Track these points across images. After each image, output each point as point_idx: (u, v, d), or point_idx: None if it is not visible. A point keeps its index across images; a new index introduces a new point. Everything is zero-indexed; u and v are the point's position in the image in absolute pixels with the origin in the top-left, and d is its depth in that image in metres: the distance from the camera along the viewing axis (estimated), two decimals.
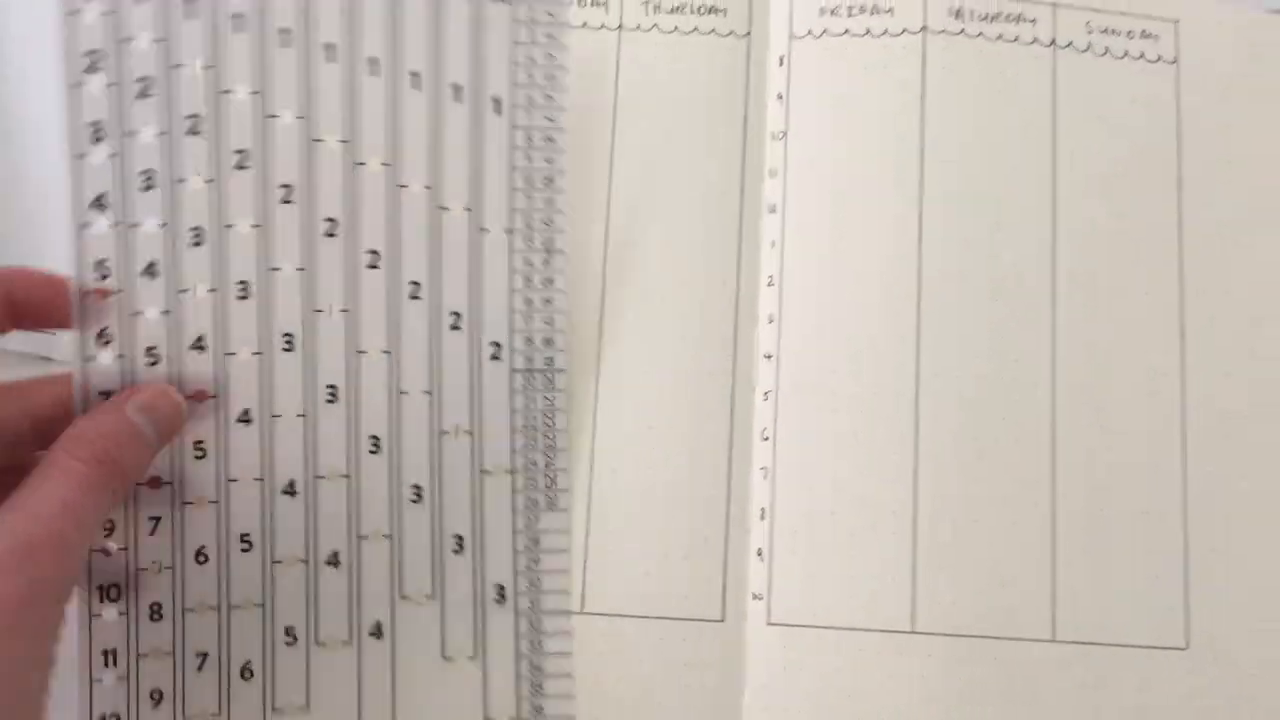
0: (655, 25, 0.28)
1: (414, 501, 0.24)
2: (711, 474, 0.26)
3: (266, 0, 0.23)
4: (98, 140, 0.23)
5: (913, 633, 0.26)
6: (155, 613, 0.23)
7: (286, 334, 0.24)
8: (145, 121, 0.23)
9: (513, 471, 0.24)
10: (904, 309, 0.27)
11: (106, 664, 0.23)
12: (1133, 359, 0.28)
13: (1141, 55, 0.30)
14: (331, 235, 0.24)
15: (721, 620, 0.26)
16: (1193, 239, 0.29)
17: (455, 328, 0.24)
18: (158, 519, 0.23)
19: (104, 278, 0.23)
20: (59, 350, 0.26)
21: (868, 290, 0.27)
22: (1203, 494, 0.27)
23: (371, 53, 0.24)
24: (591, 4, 0.28)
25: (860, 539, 0.26)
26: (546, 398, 0.25)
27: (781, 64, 0.28)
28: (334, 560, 0.24)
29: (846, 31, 0.28)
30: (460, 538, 0.24)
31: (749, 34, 0.28)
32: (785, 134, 0.28)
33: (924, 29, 0.29)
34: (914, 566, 0.26)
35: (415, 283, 0.24)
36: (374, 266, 0.24)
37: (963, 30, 0.29)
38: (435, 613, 0.24)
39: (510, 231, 0.25)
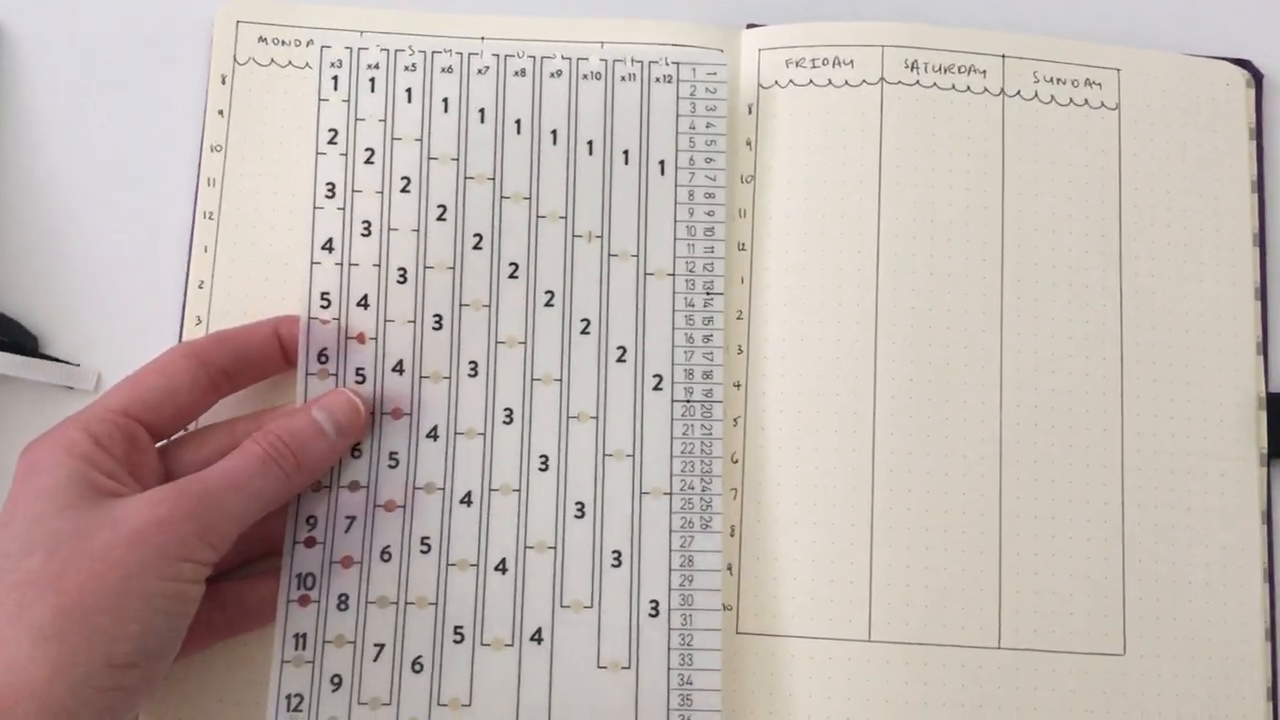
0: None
1: (578, 517, 0.29)
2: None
3: (467, 87, 0.33)
4: (330, 196, 0.32)
5: (869, 641, 0.30)
6: (342, 603, 0.29)
7: (472, 361, 0.31)
8: (368, 183, 0.32)
9: (670, 494, 0.30)
10: (863, 341, 0.32)
11: (297, 647, 0.29)
12: (1075, 383, 0.33)
13: (1085, 102, 0.35)
14: (514, 277, 0.31)
15: None
16: (1131, 272, 0.34)
17: (621, 360, 0.31)
18: (352, 518, 0.30)
19: (326, 306, 0.31)
20: (80, 380, 0.32)
21: (829, 322, 0.32)
22: (1138, 509, 0.32)
23: (553, 125, 0.33)
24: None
25: (820, 554, 0.30)
26: (705, 427, 0.30)
27: (750, 112, 0.34)
28: (502, 567, 0.29)
29: (810, 82, 0.34)
30: (619, 553, 0.29)
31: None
32: (754, 177, 0.33)
33: (882, 80, 0.34)
34: (870, 579, 0.31)
35: (585, 319, 0.31)
36: (550, 305, 0.31)
37: (917, 81, 0.34)
38: (593, 622, 0.29)
39: (673, 275, 0.32)
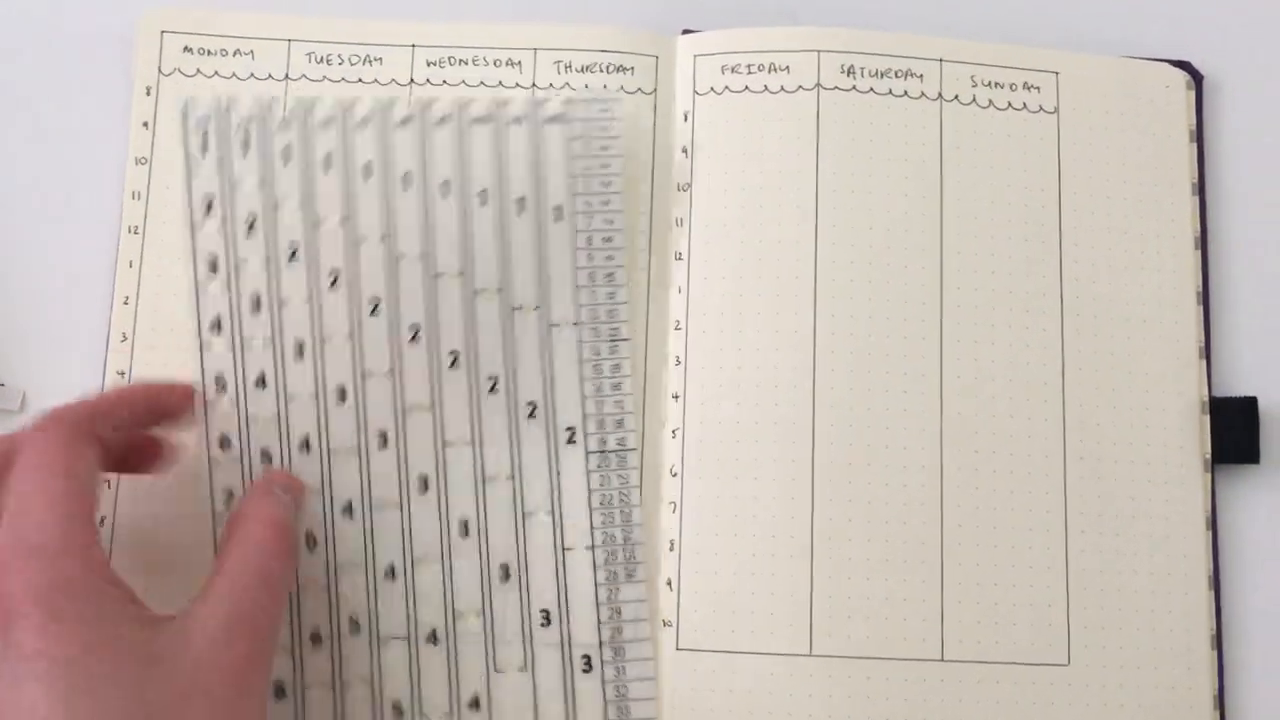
0: (566, 84, 0.35)
1: (503, 580, 0.31)
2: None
3: (350, 142, 0.33)
4: (213, 271, 0.32)
5: (810, 655, 0.32)
6: (279, 692, 0.31)
7: (381, 431, 0.32)
8: (253, 252, 0.32)
9: (592, 547, 0.32)
10: (801, 351, 0.33)
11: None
12: (1015, 391, 0.34)
13: (1024, 106, 0.36)
14: (415, 340, 0.32)
15: None
16: (1072, 277, 0.35)
17: (532, 416, 0.32)
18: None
19: (222, 389, 0.32)
20: (6, 400, 0.33)
21: (767, 330, 0.33)
22: (1081, 517, 0.34)
23: (443, 177, 0.33)
24: (507, 64, 0.35)
25: (761, 568, 0.32)
26: (620, 475, 0.31)
27: (686, 119, 0.35)
28: (433, 638, 0.31)
29: (746, 88, 0.35)
30: (546, 612, 0.31)
31: (655, 91, 0.35)
32: (690, 185, 0.34)
33: (818, 85, 0.35)
34: (810, 593, 0.32)
35: (493, 377, 0.32)
36: (455, 366, 0.32)
37: (854, 86, 0.35)
38: (528, 684, 0.30)
39: (577, 324, 0.33)
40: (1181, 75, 0.37)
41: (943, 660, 0.33)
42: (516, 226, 0.32)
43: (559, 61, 0.35)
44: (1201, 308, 0.36)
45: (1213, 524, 0.35)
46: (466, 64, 0.35)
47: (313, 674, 0.30)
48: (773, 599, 0.32)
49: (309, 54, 0.35)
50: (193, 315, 0.31)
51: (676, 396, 0.33)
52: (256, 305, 0.31)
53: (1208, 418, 0.35)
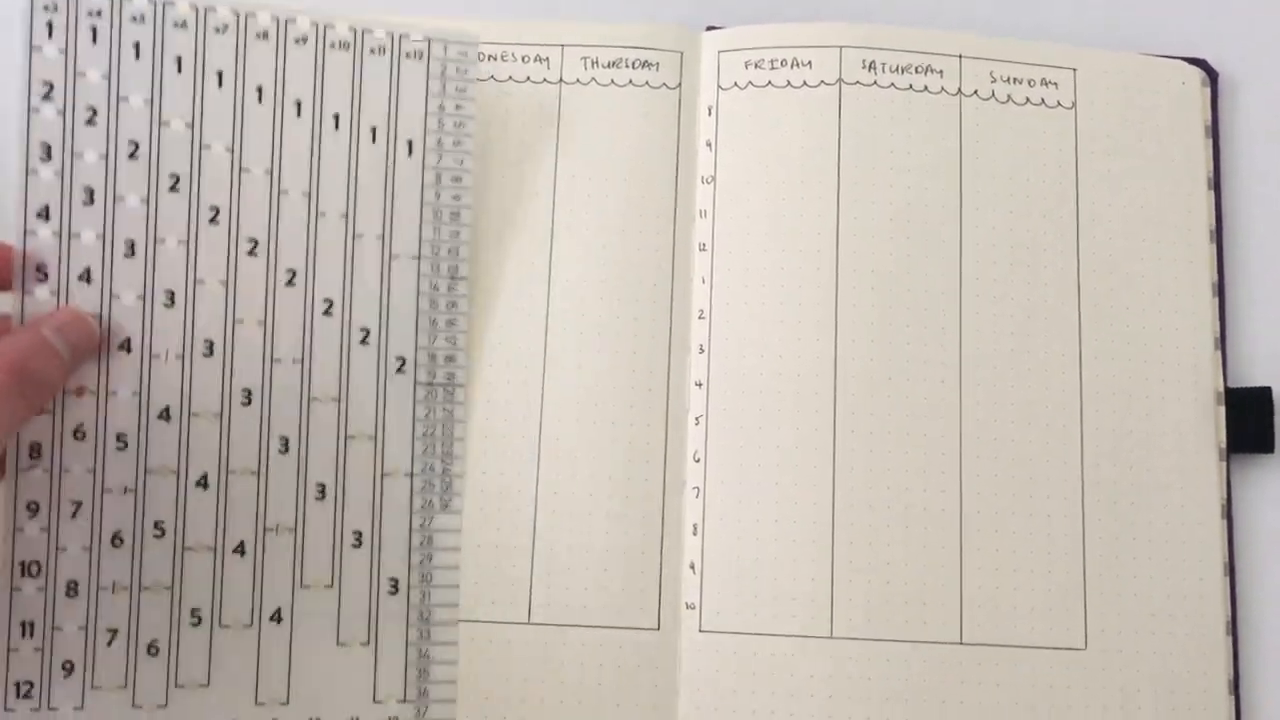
0: (593, 79, 0.40)
1: (318, 499, 0.34)
2: (647, 493, 0.37)
3: (205, 48, 0.37)
4: (45, 159, 0.35)
5: (831, 638, 0.36)
6: (71, 590, 0.32)
7: (208, 340, 0.36)
8: (90, 145, 0.36)
9: (411, 475, 0.36)
10: (823, 340, 0.38)
11: (24, 635, 0.33)
12: (1035, 380, 0.38)
13: (1042, 101, 0.40)
14: (253, 254, 0.36)
15: (657, 629, 0.36)
16: (1089, 270, 0.39)
17: (364, 342, 0.35)
18: (79, 503, 0.34)
19: (43, 280, 0.35)
20: None
21: (789, 322, 0.38)
22: (1098, 505, 0.38)
23: (297, 96, 0.37)
24: (535, 60, 0.40)
25: (782, 552, 0.36)
26: (446, 409, 0.35)
27: (710, 113, 0.40)
28: (240, 549, 0.33)
29: (769, 83, 0.40)
30: (360, 533, 0.34)
31: (680, 86, 0.40)
32: (714, 178, 0.39)
33: (839, 81, 0.40)
34: (831, 576, 0.36)
35: (329, 300, 0.36)
36: (291, 284, 0.37)
37: (875, 82, 0.40)
38: (333, 601, 0.34)
39: (418, 258, 0.38)
40: (1197, 72, 0.41)
41: (961, 643, 0.37)
42: (367, 154, 0.37)
43: (586, 57, 0.40)
44: (1217, 300, 0.40)
45: (1228, 512, 0.38)
46: (496, 59, 0.40)
47: (109, 575, 0.34)
48: (794, 583, 0.36)
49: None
50: (19, 203, 0.34)
51: (700, 384, 0.38)
52: (89, 198, 0.35)
53: (1223, 408, 0.39)
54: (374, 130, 0.35)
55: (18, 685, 0.32)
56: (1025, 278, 0.39)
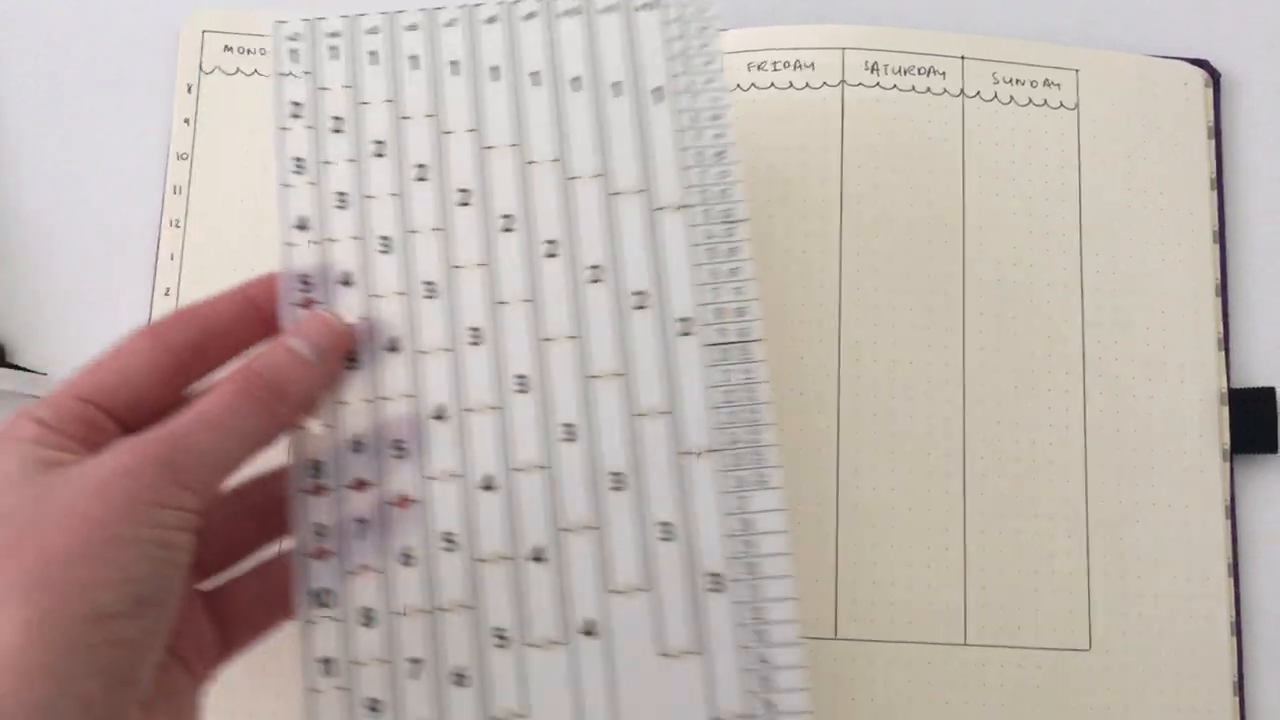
0: None
1: (614, 489, 0.32)
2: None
3: (437, 39, 0.37)
4: (298, 171, 0.36)
5: (836, 639, 0.38)
6: (366, 618, 0.32)
7: (473, 328, 0.34)
8: (338, 152, 0.36)
9: (715, 451, 0.33)
10: (825, 340, 0.40)
11: (325, 673, 0.33)
12: (1038, 381, 0.40)
13: (1045, 103, 0.42)
14: (509, 230, 0.35)
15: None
16: (1092, 270, 0.41)
17: (640, 307, 0.34)
18: (364, 522, 0.34)
19: (307, 289, 0.35)
20: (47, 389, 0.37)
21: (793, 322, 0.40)
22: (1102, 505, 0.39)
23: (533, 68, 0.35)
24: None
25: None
26: (744, 370, 0.32)
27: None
28: (539, 556, 0.32)
29: (772, 85, 0.41)
30: (667, 525, 0.31)
31: None
32: None
33: (842, 83, 0.41)
34: (835, 578, 0.38)
35: (595, 266, 0.35)
36: (552, 255, 0.35)
37: (878, 83, 0.42)
38: (648, 606, 0.30)
39: (686, 207, 0.36)
40: (1200, 73, 0.43)
41: (965, 644, 0.38)
42: (613, 110, 0.35)
43: None
44: (1220, 300, 0.41)
45: (1232, 513, 0.40)
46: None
47: (404, 598, 0.32)
48: (799, 584, 0.32)
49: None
50: (279, 218, 0.35)
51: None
52: (342, 202, 0.34)
53: (1226, 408, 0.40)
54: (616, 85, 0.33)
55: None
56: (1028, 277, 0.41)
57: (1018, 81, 0.43)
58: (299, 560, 0.31)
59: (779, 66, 0.42)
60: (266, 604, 0.31)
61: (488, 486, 0.31)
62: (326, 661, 0.31)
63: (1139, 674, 0.38)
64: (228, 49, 0.43)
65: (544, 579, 0.31)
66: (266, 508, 0.32)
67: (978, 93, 0.42)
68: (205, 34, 0.43)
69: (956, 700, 0.37)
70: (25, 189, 0.42)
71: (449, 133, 0.33)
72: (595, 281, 0.32)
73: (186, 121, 0.43)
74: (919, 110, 0.42)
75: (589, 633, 0.30)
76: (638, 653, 0.30)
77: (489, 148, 0.33)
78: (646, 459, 0.31)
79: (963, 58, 0.43)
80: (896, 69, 0.42)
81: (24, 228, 0.41)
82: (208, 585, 0.32)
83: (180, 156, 0.42)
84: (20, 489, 0.26)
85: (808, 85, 0.42)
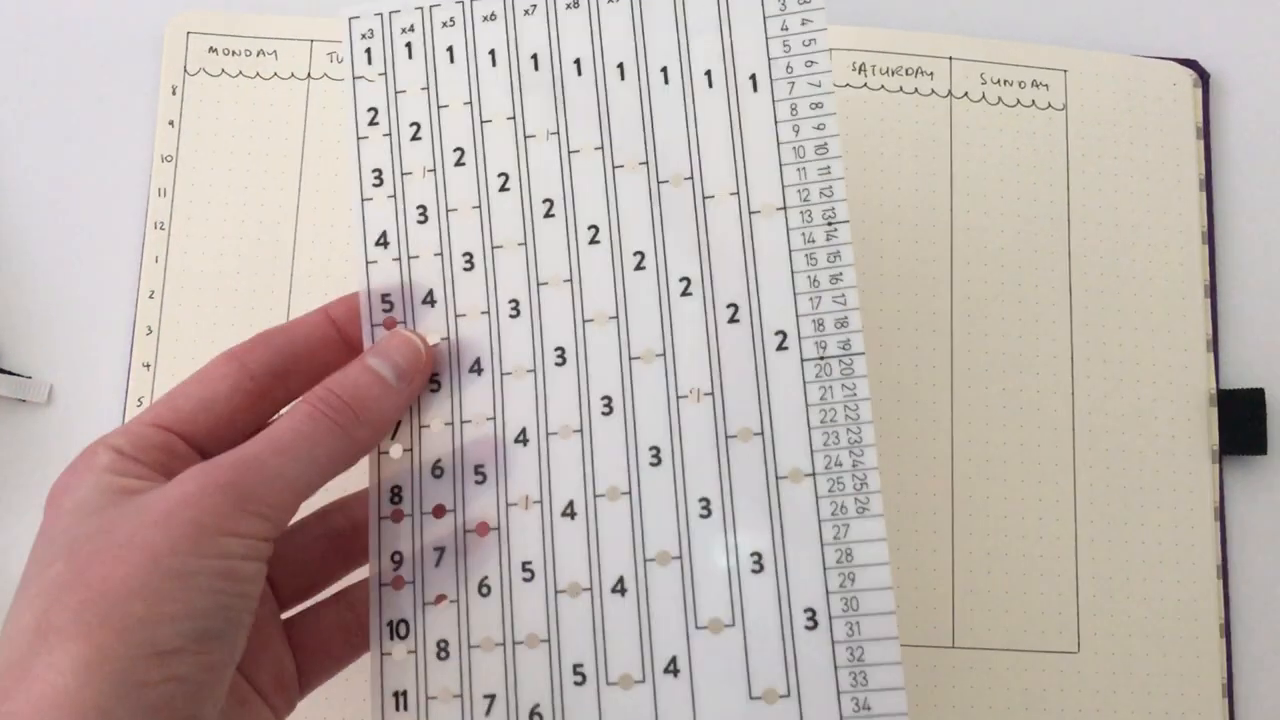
0: None
1: (703, 517, 0.30)
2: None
3: (516, 34, 0.36)
4: (378, 184, 0.36)
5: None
6: (442, 650, 0.31)
7: (558, 348, 0.33)
8: (417, 161, 0.36)
9: (814, 474, 0.31)
10: None
11: (398, 708, 0.32)
12: (1026, 382, 0.41)
13: (1033, 103, 0.43)
14: (595, 242, 0.34)
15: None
16: (1081, 271, 0.42)
17: (734, 320, 0.32)
18: (441, 550, 0.33)
19: (389, 310, 0.35)
20: (33, 393, 0.40)
21: None
22: (1090, 507, 0.40)
23: (619, 59, 0.35)
24: None
25: None
26: (846, 387, 0.30)
27: None
28: (620, 588, 0.31)
29: None
30: (758, 555, 0.29)
31: None
32: None
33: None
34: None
35: (685, 279, 0.33)
36: (640, 268, 0.34)
37: (865, 84, 0.42)
38: (737, 643, 0.29)
39: (784, 209, 0.34)
40: (1188, 73, 0.45)
41: (953, 647, 0.39)
42: (705, 102, 0.33)
43: None
44: (1209, 301, 0.43)
45: (1221, 514, 0.41)
46: None
47: (480, 630, 0.31)
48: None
49: (330, 54, 0.45)
50: (358, 233, 0.35)
51: None
52: (423, 216, 0.34)
53: (1215, 409, 0.42)
54: (709, 74, 0.32)
55: None
56: (1016, 279, 0.42)
57: (1006, 82, 0.44)
58: (375, 589, 0.31)
59: None
60: (345, 634, 0.32)
61: (569, 513, 0.30)
62: (400, 695, 0.30)
63: (1128, 677, 0.39)
64: (212, 50, 0.45)
65: (625, 612, 0.30)
66: (348, 533, 0.32)
67: (966, 93, 0.44)
68: (190, 35, 0.45)
69: (943, 703, 0.38)
70: (8, 191, 0.43)
71: (532, 136, 0.33)
72: (685, 294, 0.31)
73: (171, 123, 0.44)
74: (907, 111, 0.43)
75: (672, 671, 0.29)
76: (724, 694, 0.29)
77: (574, 152, 0.33)
78: (737, 484, 0.30)
79: (950, 58, 0.44)
80: (884, 70, 0.43)
81: (6, 230, 0.43)
82: (288, 614, 0.32)
83: (165, 159, 0.44)
84: (91, 519, 0.27)
85: None
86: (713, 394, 0.31)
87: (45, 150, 0.44)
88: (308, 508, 0.32)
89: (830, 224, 0.31)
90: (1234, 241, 0.44)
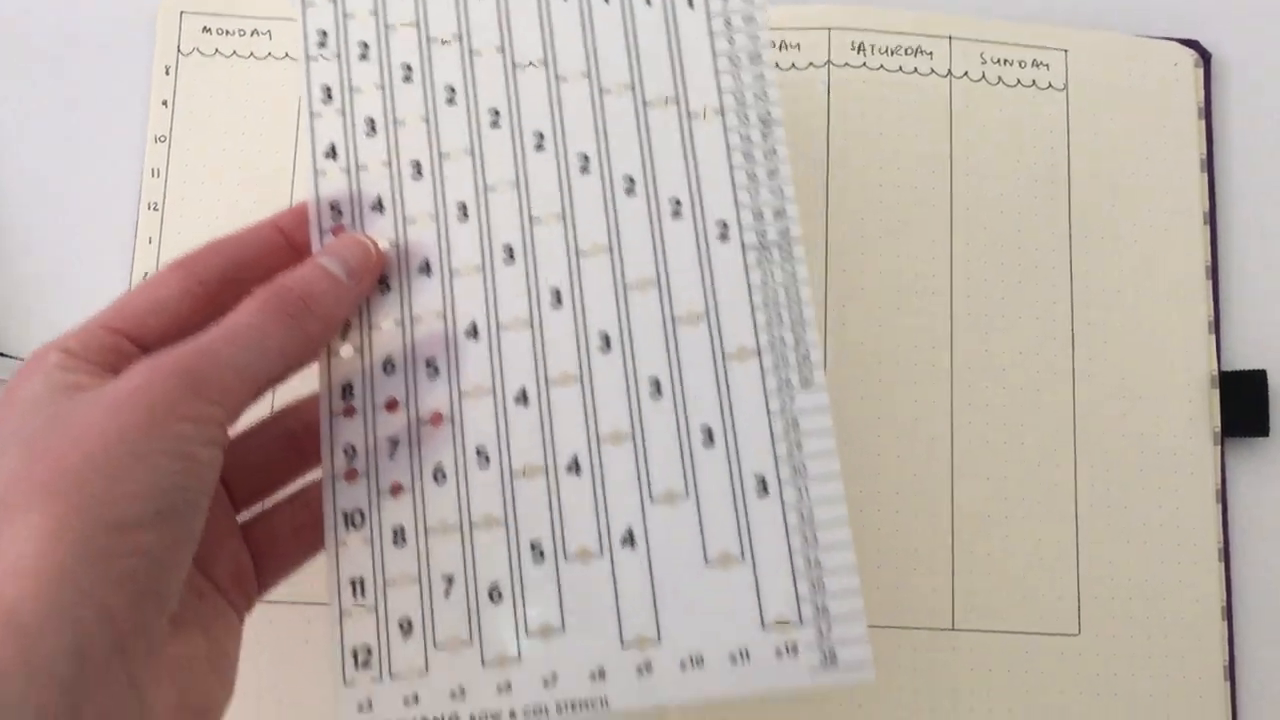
0: None
1: (653, 397, 0.31)
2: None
3: None
4: (327, 100, 0.37)
5: None
6: (398, 537, 0.31)
7: (507, 246, 0.34)
8: (366, 79, 0.37)
9: (759, 352, 0.32)
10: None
11: (355, 594, 0.32)
12: (1027, 364, 0.41)
13: (1033, 83, 0.43)
14: (541, 148, 0.35)
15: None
16: (1081, 252, 0.41)
17: (677, 215, 0.32)
18: (395, 441, 0.33)
19: (338, 217, 0.36)
20: None
21: None
22: (1091, 489, 0.40)
23: None
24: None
25: None
26: (786, 270, 0.31)
27: None
28: (574, 467, 0.31)
29: None
30: (709, 429, 0.30)
31: None
32: None
33: (828, 63, 0.42)
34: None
35: (629, 178, 0.34)
36: (586, 170, 0.35)
37: (864, 64, 0.42)
38: (691, 513, 0.30)
39: (721, 112, 0.36)
40: (1190, 53, 0.44)
41: (954, 629, 0.39)
42: (644, 17, 0.35)
43: None
44: (1211, 282, 0.42)
45: (1223, 497, 0.41)
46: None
47: (436, 516, 0.32)
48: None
49: None
50: (307, 147, 0.36)
51: None
52: (371, 129, 0.35)
53: (1217, 391, 0.41)
54: None
55: (355, 653, 0.30)
56: (1017, 261, 0.42)
57: (1006, 62, 0.43)
58: (329, 482, 0.31)
59: None
60: (300, 532, 0.32)
61: (522, 400, 0.31)
62: (357, 582, 0.30)
63: (1128, 659, 0.39)
64: (206, 30, 0.44)
65: (581, 490, 0.30)
66: (301, 434, 0.33)
67: (965, 73, 0.43)
68: (183, 15, 0.44)
69: (943, 685, 0.38)
70: (0, 172, 0.43)
71: (477, 53, 0.34)
72: (629, 193, 0.33)
73: (164, 104, 0.44)
74: (906, 91, 0.43)
75: (629, 543, 0.30)
76: (681, 562, 0.30)
77: (518, 66, 0.34)
78: (686, 364, 0.31)
79: (950, 38, 0.43)
80: (883, 49, 0.43)
81: None
82: (245, 515, 0.32)
83: (158, 139, 0.43)
84: (43, 411, 0.27)
85: (793, 66, 0.43)
86: (658, 282, 0.32)
87: (38, 130, 0.44)
88: (260, 412, 0.32)
89: (765, 124, 0.33)
90: (1235, 222, 0.43)
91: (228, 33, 0.45)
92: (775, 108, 0.33)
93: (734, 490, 0.30)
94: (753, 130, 0.33)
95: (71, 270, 0.41)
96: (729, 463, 0.30)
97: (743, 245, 0.32)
